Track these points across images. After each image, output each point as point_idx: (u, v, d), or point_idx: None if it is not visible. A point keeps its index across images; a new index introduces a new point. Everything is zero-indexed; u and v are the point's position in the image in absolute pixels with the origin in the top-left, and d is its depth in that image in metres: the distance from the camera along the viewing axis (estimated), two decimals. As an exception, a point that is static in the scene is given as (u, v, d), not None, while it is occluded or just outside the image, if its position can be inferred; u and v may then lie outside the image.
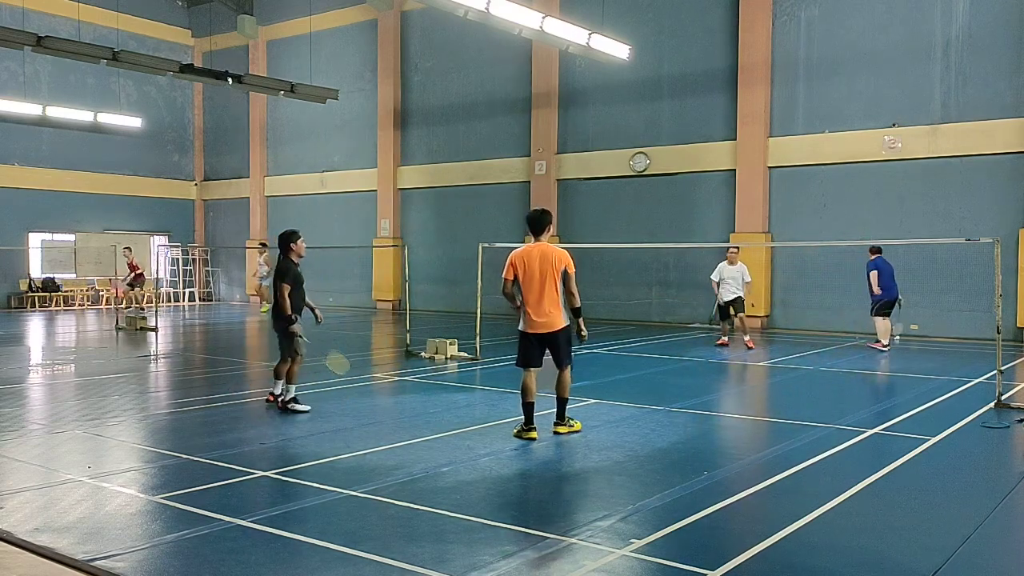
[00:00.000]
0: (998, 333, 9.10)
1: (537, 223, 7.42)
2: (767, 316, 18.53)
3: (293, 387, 8.56)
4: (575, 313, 7.43)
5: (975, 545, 4.71)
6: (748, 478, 6.19)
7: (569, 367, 7.49)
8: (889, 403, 9.73)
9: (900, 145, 16.85)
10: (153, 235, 28.54)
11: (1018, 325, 15.54)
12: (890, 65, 16.95)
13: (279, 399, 8.62)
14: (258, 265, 24.86)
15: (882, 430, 7.79)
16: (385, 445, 7.05)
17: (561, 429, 7.54)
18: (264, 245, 25.00)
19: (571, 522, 5.08)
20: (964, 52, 16.23)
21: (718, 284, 14.62)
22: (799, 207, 18.16)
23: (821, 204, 17.87)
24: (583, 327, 7.44)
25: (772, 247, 18.14)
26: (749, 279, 14.64)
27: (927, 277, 16.49)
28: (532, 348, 7.39)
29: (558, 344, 7.35)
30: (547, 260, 7.23)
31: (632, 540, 4.70)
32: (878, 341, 14.46)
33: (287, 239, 8.72)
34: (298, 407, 8.42)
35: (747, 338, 14.61)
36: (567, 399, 7.57)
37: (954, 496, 5.80)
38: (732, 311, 14.58)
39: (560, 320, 7.32)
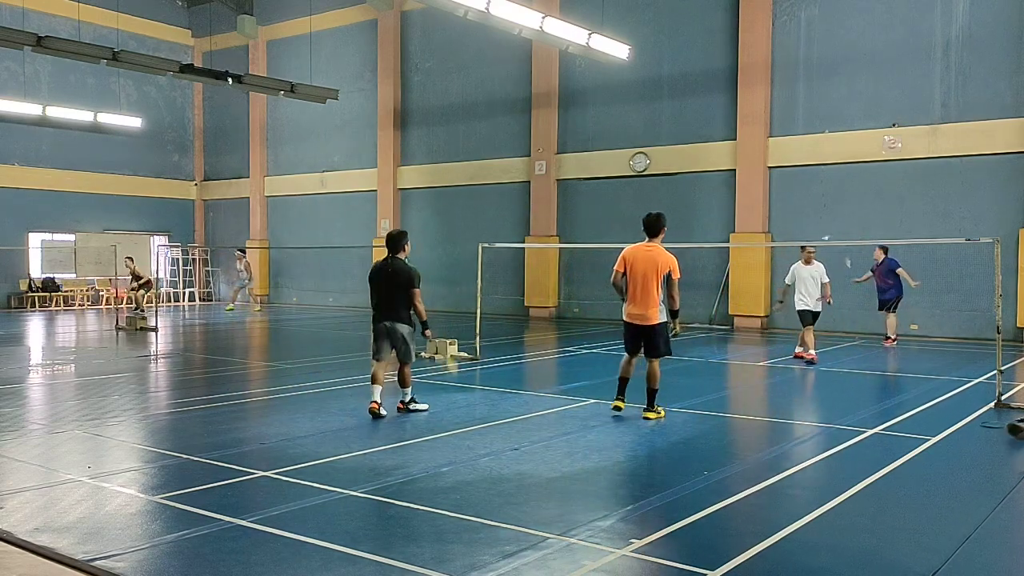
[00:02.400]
0: (998, 333, 9.10)
1: (651, 227, 8.39)
2: (767, 316, 18.53)
3: (410, 388, 8.62)
4: (673, 314, 8.25)
5: (975, 545, 4.71)
6: (748, 478, 6.18)
7: (657, 360, 8.26)
8: (889, 403, 9.72)
9: (900, 145, 16.85)
10: (153, 235, 28.54)
11: (1018, 325, 15.54)
12: (890, 65, 16.95)
13: (406, 404, 8.59)
14: (238, 272, 24.80)
15: (882, 430, 7.79)
16: (385, 445, 7.05)
17: (650, 415, 8.19)
18: (243, 252, 25.00)
19: (571, 522, 5.08)
20: (964, 52, 16.23)
21: (790, 287, 13.18)
22: (799, 207, 18.16)
23: (821, 204, 17.88)
24: (678, 326, 8.36)
25: (772, 247, 18.14)
26: (827, 279, 12.99)
27: (927, 277, 16.48)
28: (629, 336, 8.34)
29: (651, 337, 8.18)
30: (652, 262, 8.10)
31: (632, 540, 4.70)
32: (888, 338, 14.97)
33: (400, 239, 8.38)
34: (419, 406, 8.59)
35: (802, 349, 12.96)
36: (655, 389, 8.27)
37: (954, 496, 5.79)
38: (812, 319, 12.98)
39: (656, 316, 8.11)
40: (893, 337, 15.06)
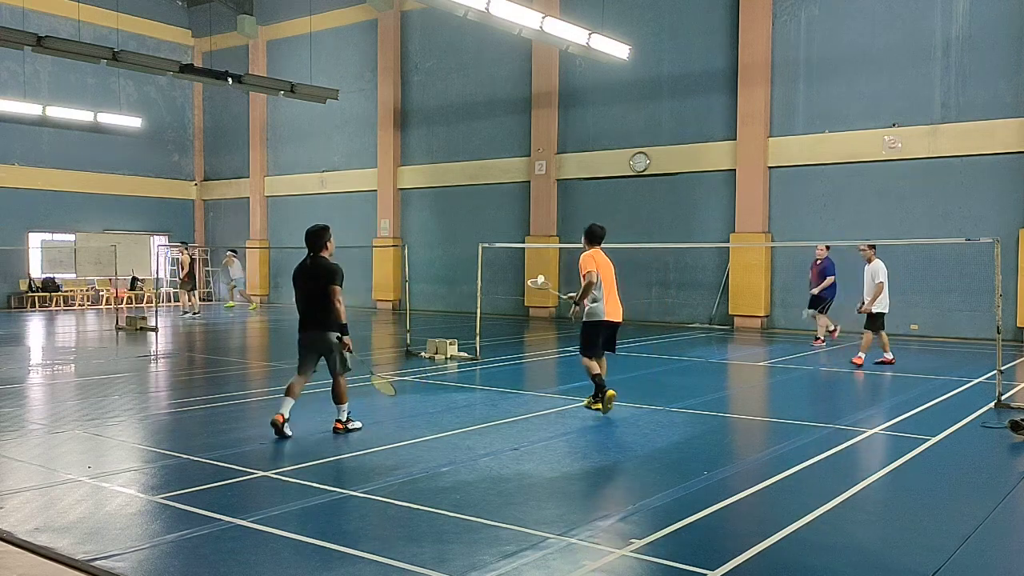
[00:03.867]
0: (998, 333, 9.09)
1: (601, 236, 8.64)
2: (767, 316, 18.53)
3: (347, 405, 7.55)
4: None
5: (975, 545, 4.71)
6: (748, 478, 6.18)
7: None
8: (889, 403, 9.72)
9: (900, 145, 16.85)
10: (153, 235, 28.53)
11: (1018, 325, 15.54)
12: (890, 65, 16.95)
13: (344, 424, 7.54)
14: (227, 271, 24.68)
15: (882, 430, 7.79)
16: (385, 445, 7.05)
17: (595, 405, 8.36)
18: (234, 252, 24.95)
19: (571, 522, 5.08)
20: (964, 52, 16.24)
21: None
22: (799, 207, 18.16)
23: (821, 204, 17.88)
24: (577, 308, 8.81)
25: (772, 247, 18.15)
26: (881, 279, 12.23)
27: (927, 277, 16.51)
28: (602, 334, 8.49)
29: (616, 333, 8.64)
30: (611, 265, 8.62)
31: (632, 540, 4.70)
32: (817, 339, 14.93)
33: (322, 235, 7.46)
34: (354, 424, 7.59)
35: (861, 355, 12.41)
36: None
37: (954, 496, 5.79)
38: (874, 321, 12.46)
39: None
40: (822, 337, 14.89)
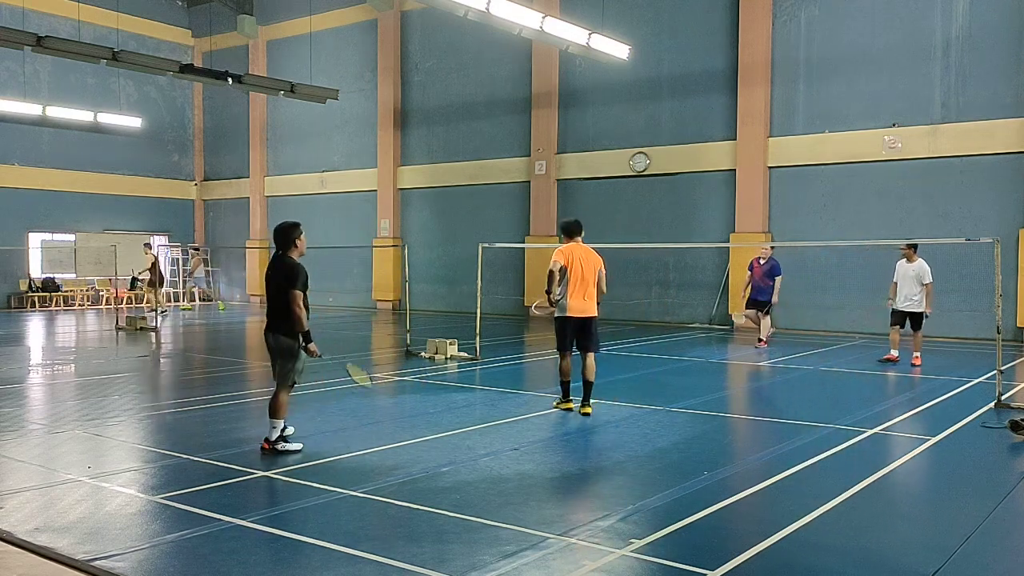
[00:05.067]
0: (998, 333, 9.09)
1: (577, 229, 8.72)
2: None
3: (282, 421, 6.76)
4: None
5: (975, 545, 4.71)
6: (748, 478, 6.18)
7: (594, 354, 8.51)
8: (889, 403, 9.72)
9: (900, 145, 16.85)
10: (153, 235, 28.50)
11: (1018, 325, 15.54)
12: (890, 65, 16.95)
13: (272, 442, 6.71)
14: (188, 270, 24.39)
15: (882, 430, 7.79)
16: (385, 445, 7.05)
17: (588, 410, 8.34)
18: (197, 249, 24.83)
19: (571, 522, 5.08)
20: (964, 52, 16.23)
21: (897, 285, 12.50)
22: (799, 207, 18.16)
23: (821, 204, 17.87)
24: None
25: (772, 247, 18.10)
26: (928, 280, 12.20)
27: (927, 277, 16.48)
28: (569, 330, 8.43)
29: (590, 329, 8.45)
30: (589, 259, 8.52)
31: (632, 540, 4.70)
32: (761, 340, 14.56)
33: (290, 233, 6.83)
34: (289, 446, 6.71)
35: (916, 355, 12.43)
36: (593, 382, 8.45)
37: (954, 496, 5.79)
38: (909, 322, 12.45)
39: (595, 309, 8.52)
40: (764, 339, 14.48)
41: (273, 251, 6.93)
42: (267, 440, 6.73)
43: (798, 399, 10.20)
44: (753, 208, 18.45)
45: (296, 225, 6.87)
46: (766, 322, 14.63)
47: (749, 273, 14.74)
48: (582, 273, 8.38)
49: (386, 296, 24.74)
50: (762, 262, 14.49)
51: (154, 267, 21.53)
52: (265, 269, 7.03)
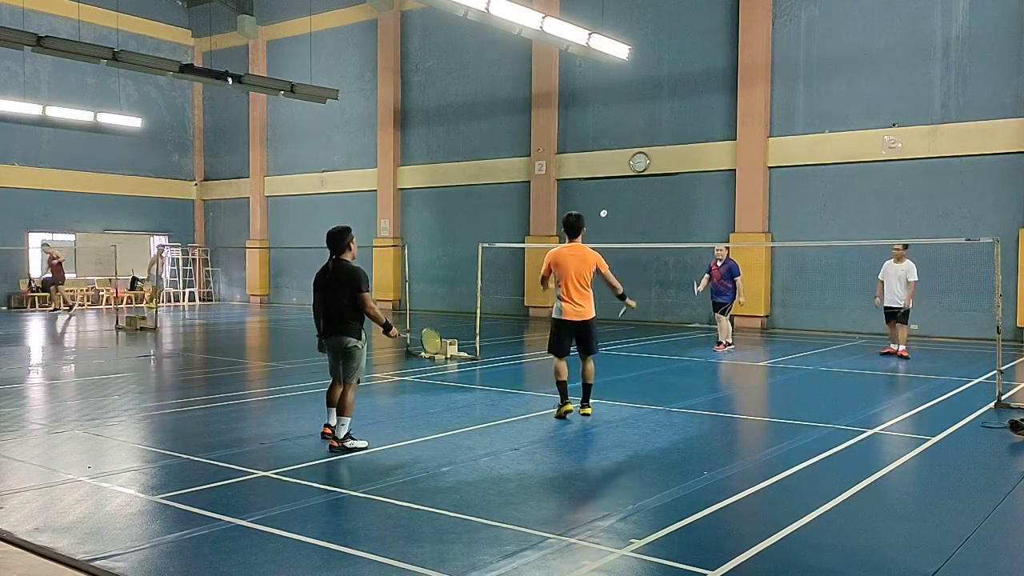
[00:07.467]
0: (998, 333, 9.09)
1: (574, 227, 8.50)
2: (767, 316, 18.53)
3: (349, 420, 6.93)
4: (621, 297, 8.62)
5: (975, 545, 4.71)
6: (748, 478, 6.18)
7: (592, 357, 8.39)
8: (889, 403, 9.72)
9: (900, 145, 16.85)
10: (153, 235, 28.53)
11: (1018, 325, 15.54)
12: (890, 65, 16.95)
13: (340, 440, 6.89)
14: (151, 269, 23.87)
15: (882, 430, 7.79)
16: (385, 445, 7.04)
17: (588, 411, 8.30)
18: (161, 248, 24.63)
19: (571, 522, 5.08)
20: (964, 52, 16.23)
21: (883, 283, 13.13)
22: (799, 207, 18.16)
23: (821, 204, 17.87)
24: (630, 302, 8.73)
25: (772, 247, 18.14)
26: (913, 278, 12.89)
27: (927, 277, 16.41)
28: (563, 334, 8.31)
29: (587, 332, 8.31)
30: (581, 259, 8.30)
31: (632, 540, 4.70)
32: (720, 343, 14.25)
33: (344, 236, 7.02)
34: (357, 443, 6.89)
35: (901, 348, 13.11)
36: (592, 384, 8.39)
37: (954, 496, 5.79)
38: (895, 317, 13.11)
39: (591, 312, 8.33)
40: (724, 342, 14.23)
41: (328, 257, 7.05)
42: (335, 438, 6.87)
43: (798, 399, 10.20)
44: (753, 208, 18.45)
45: (348, 229, 7.08)
46: (725, 324, 14.31)
47: (707, 276, 14.42)
48: (573, 275, 8.19)
49: (386, 296, 24.73)
50: (719, 264, 14.21)
51: (60, 266, 22.71)
52: (316, 274, 7.15)
